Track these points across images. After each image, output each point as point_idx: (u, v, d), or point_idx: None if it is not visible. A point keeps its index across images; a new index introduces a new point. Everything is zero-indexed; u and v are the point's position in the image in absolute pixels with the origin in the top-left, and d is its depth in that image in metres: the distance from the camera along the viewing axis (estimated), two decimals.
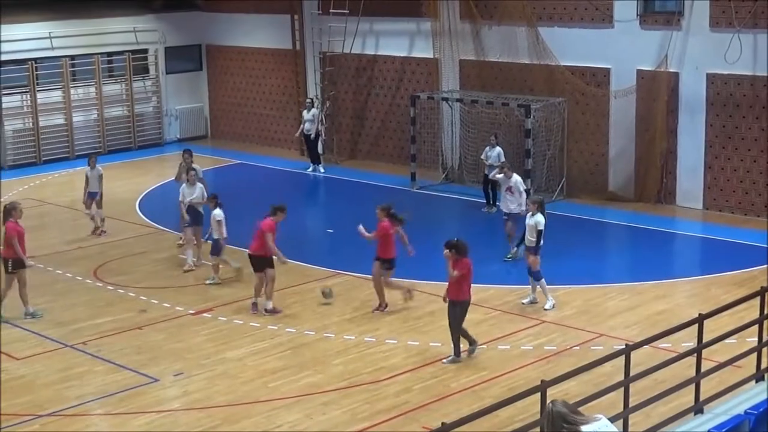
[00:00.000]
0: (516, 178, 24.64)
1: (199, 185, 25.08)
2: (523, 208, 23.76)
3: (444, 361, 18.70)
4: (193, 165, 26.02)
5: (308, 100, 35.88)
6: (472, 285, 19.03)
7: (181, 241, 26.13)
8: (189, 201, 24.71)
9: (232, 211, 24.31)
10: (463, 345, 18.82)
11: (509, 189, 24.57)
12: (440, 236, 22.43)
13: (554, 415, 9.94)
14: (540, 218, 21.55)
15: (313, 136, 35.28)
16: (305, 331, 20.60)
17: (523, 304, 21.74)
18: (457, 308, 18.75)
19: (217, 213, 23.61)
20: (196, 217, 24.90)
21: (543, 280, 21.67)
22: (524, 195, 24.62)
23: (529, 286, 21.93)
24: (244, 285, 22.98)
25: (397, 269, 21.92)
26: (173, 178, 27.13)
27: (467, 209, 29.89)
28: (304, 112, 35.43)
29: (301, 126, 35.50)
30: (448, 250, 18.71)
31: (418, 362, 18.94)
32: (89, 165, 27.92)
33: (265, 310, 21.39)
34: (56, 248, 26.82)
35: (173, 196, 26.36)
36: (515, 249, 24.34)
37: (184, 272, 24.63)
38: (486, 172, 29.21)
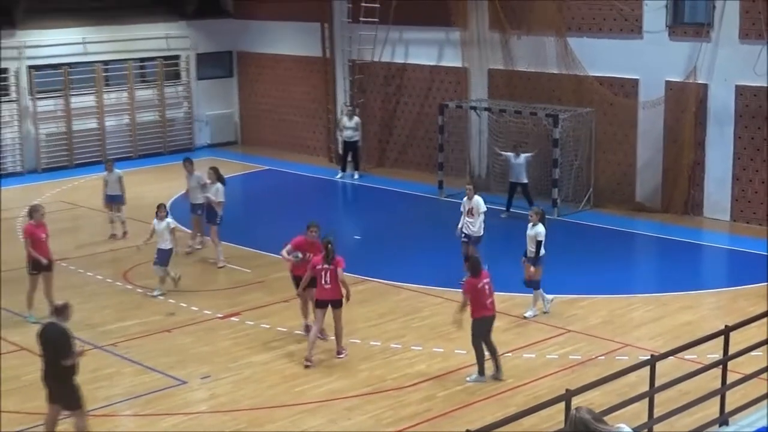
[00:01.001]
0: (477, 199, 23.45)
1: (218, 185, 25.35)
2: (482, 231, 23.32)
3: (467, 378, 18.48)
4: (196, 172, 26.42)
5: (349, 108, 35.95)
6: (492, 297, 18.59)
7: (188, 249, 26.46)
8: (210, 199, 25.30)
9: (261, 217, 24.33)
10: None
11: (470, 211, 23.42)
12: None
13: (577, 422, 9.90)
14: (541, 229, 21.38)
15: (360, 143, 35.46)
16: (331, 337, 20.57)
17: (525, 318, 21.48)
18: (472, 326, 18.54)
19: (171, 221, 23.57)
20: (214, 216, 25.28)
21: (541, 290, 21.61)
22: (482, 216, 23.44)
23: (531, 297, 21.80)
24: (270, 290, 23.03)
25: (430, 276, 21.92)
26: (185, 192, 27.12)
27: (492, 217, 29.81)
28: (345, 119, 35.49)
29: (342, 132, 35.60)
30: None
31: (443, 369, 18.90)
32: (107, 169, 28.15)
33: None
34: (87, 251, 26.94)
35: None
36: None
37: (219, 268, 25.15)
38: (511, 179, 29.25)
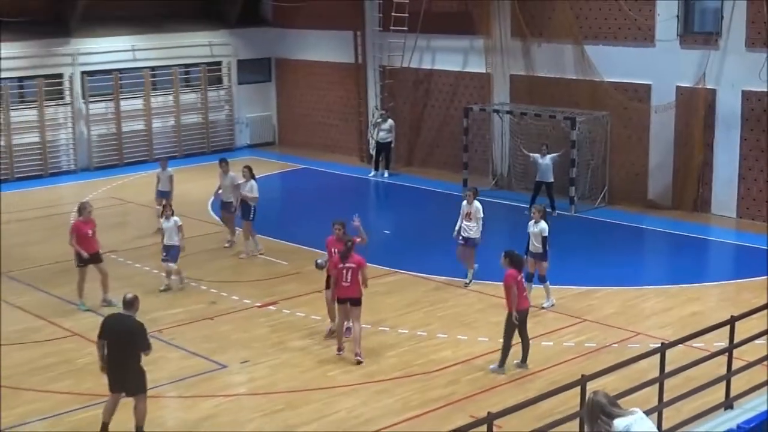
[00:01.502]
0: (477, 205, 22.76)
1: (252, 182, 25.44)
2: (479, 235, 22.73)
3: (490, 367, 18.30)
4: (231, 172, 26.40)
5: (383, 112, 36.00)
6: (523, 289, 18.31)
7: (227, 244, 26.51)
8: (245, 195, 25.40)
9: (297, 212, 24.36)
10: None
11: (468, 215, 22.75)
12: (490, 237, 22.56)
13: (593, 404, 9.94)
14: (544, 225, 21.13)
15: (393, 144, 35.47)
16: (362, 325, 20.59)
17: (543, 308, 21.27)
18: (508, 317, 18.12)
19: (177, 219, 23.24)
20: (248, 213, 25.39)
21: (548, 282, 21.48)
22: (481, 222, 22.81)
23: (541, 290, 21.52)
24: (305, 281, 23.04)
25: (454, 269, 21.93)
26: (218, 190, 26.94)
27: (514, 213, 29.78)
28: (381, 122, 35.54)
29: (377, 134, 35.69)
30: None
31: (467, 356, 18.92)
32: (161, 167, 28.35)
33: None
34: (135, 244, 27.06)
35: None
36: (470, 274, 23.05)
37: (260, 254, 25.49)
38: (538, 178, 29.21)
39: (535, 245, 21.20)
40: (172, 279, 23.06)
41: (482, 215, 22.82)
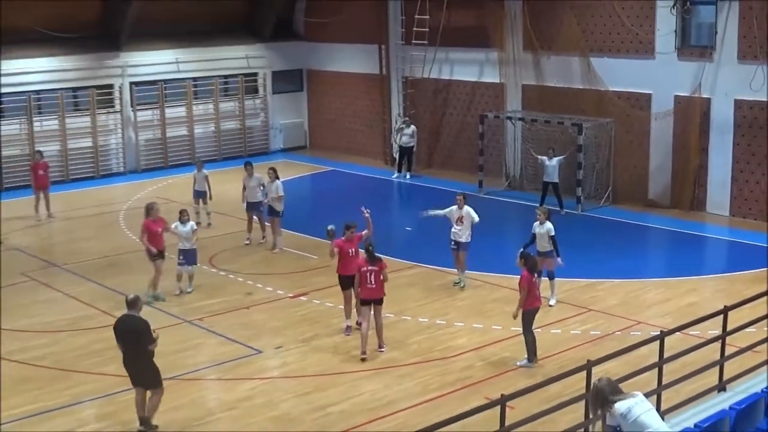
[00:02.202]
0: (467, 208, 21.93)
1: (278, 182, 25.40)
2: (470, 239, 21.95)
3: (517, 363, 17.88)
4: (256, 174, 26.21)
5: (406, 119, 35.97)
6: (536, 290, 18.00)
7: (263, 240, 26.43)
8: (272, 196, 25.49)
9: (326, 210, 24.36)
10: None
11: (460, 219, 21.92)
12: (503, 234, 22.45)
13: (597, 390, 9.94)
14: (550, 225, 20.65)
15: (415, 148, 35.43)
16: (386, 314, 20.53)
17: (551, 306, 20.75)
18: (524, 315, 17.82)
19: (193, 224, 22.65)
20: (276, 211, 25.43)
21: (556, 278, 21.18)
22: (473, 226, 22.04)
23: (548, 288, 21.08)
24: (333, 273, 22.69)
25: (470, 263, 21.93)
26: (243, 190, 26.42)
27: (525, 212, 29.68)
28: (404, 128, 35.54)
29: (400, 138, 35.68)
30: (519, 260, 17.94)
31: (482, 342, 18.91)
32: (197, 169, 28.40)
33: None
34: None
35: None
36: (462, 277, 22.42)
37: (277, 251, 25.46)
38: (545, 179, 29.13)
39: (543, 245, 20.80)
40: (182, 284, 22.32)
41: (477, 219, 22.07)
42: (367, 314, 18.35)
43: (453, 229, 22.16)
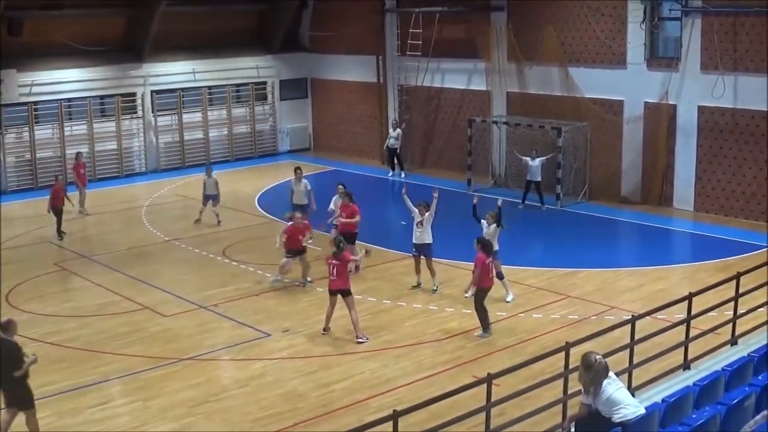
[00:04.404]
0: (426, 214, 21.08)
1: (305, 180, 25.17)
2: (431, 240, 21.08)
3: (476, 334, 18.38)
4: (304, 179, 25.43)
5: (395, 121, 36.00)
6: (489, 272, 18.31)
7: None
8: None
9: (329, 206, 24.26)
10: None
11: (420, 223, 21.11)
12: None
13: (598, 369, 10.13)
14: (494, 228, 19.99)
15: (398, 149, 35.37)
16: (383, 300, 20.68)
17: (507, 302, 20.21)
18: (476, 293, 18.27)
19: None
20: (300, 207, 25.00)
21: (505, 278, 20.45)
22: (429, 226, 21.14)
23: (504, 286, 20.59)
24: None
25: (459, 253, 21.88)
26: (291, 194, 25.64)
27: (510, 207, 29.69)
28: (391, 130, 35.56)
29: (387, 141, 35.66)
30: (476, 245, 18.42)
31: (471, 326, 18.90)
32: (206, 174, 28.14)
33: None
34: (195, 232, 27.15)
35: (284, 194, 26.64)
36: (435, 280, 21.42)
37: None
38: (528, 177, 29.17)
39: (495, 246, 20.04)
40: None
41: (431, 218, 21.18)
42: (333, 303, 18.51)
43: (414, 233, 21.34)
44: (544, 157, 29.15)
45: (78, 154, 31.02)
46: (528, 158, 29.20)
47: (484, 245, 18.41)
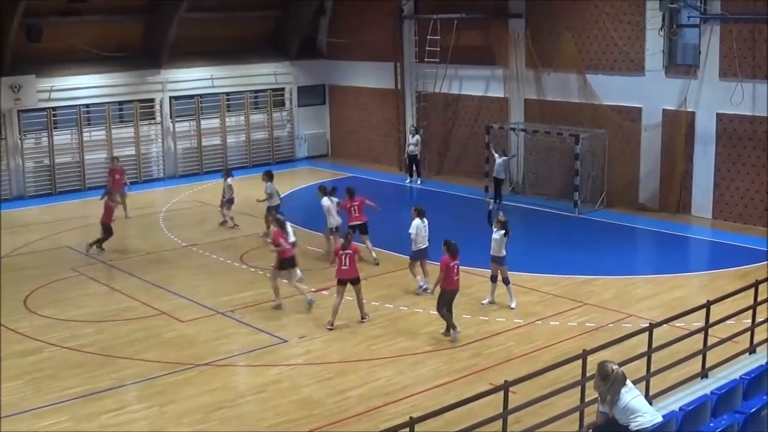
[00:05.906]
0: (415, 222, 21.48)
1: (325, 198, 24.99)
2: (413, 247, 21.40)
3: (443, 332, 18.72)
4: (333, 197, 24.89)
5: (413, 128, 36.02)
6: (459, 276, 18.73)
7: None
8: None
9: (344, 214, 24.23)
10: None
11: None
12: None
13: (615, 378, 10.04)
14: (502, 233, 20.25)
15: (418, 156, 35.41)
16: (400, 307, 20.64)
17: (512, 308, 20.24)
18: (439, 295, 18.73)
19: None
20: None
21: (511, 284, 20.56)
22: (411, 236, 21.46)
23: (490, 291, 20.77)
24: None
25: (477, 260, 21.80)
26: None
27: (526, 213, 29.63)
28: (409, 137, 35.57)
29: (407, 147, 35.69)
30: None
31: (487, 333, 18.90)
32: (224, 178, 28.36)
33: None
34: (212, 238, 27.16)
35: (302, 201, 26.60)
36: (431, 286, 20.95)
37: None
38: (494, 174, 30.48)
39: (497, 250, 20.38)
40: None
41: (413, 233, 21.50)
42: (342, 292, 19.38)
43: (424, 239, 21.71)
44: (506, 157, 30.30)
45: (114, 158, 30.97)
46: (496, 155, 30.27)
47: (449, 247, 18.61)
